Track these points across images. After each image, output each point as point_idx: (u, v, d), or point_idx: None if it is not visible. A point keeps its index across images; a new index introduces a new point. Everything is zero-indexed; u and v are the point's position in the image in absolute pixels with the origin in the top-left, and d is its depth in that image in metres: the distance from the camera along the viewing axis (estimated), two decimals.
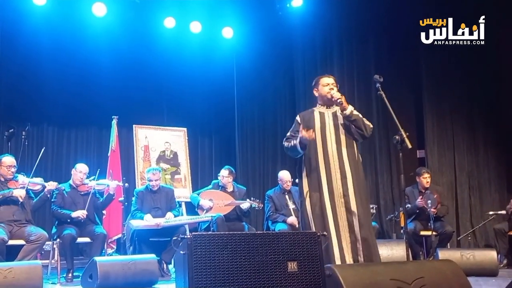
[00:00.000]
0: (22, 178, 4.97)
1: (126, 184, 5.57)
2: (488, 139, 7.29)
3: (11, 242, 4.62)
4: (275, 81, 8.13)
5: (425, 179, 6.02)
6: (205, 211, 5.69)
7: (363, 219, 3.55)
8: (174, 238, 4.81)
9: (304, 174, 3.73)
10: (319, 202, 3.58)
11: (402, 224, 6.22)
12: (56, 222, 5.19)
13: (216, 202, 5.77)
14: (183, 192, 7.05)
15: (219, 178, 6.01)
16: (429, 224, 5.66)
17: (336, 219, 3.54)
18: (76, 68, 7.11)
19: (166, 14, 7.40)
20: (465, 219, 7.06)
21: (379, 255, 3.65)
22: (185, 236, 2.76)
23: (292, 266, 2.84)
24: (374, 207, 5.71)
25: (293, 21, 7.76)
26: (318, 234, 3.02)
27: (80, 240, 5.11)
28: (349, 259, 3.45)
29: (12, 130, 6.60)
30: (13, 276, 3.77)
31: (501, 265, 5.71)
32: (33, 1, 6.61)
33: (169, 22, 7.41)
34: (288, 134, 3.86)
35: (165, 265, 5.30)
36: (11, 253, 4.59)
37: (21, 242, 4.69)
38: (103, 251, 5.29)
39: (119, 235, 6.14)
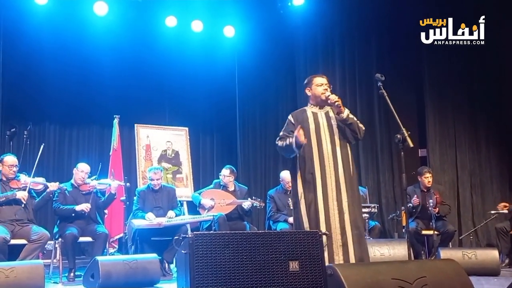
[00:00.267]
0: (24, 178, 4.98)
1: (128, 184, 5.58)
2: (490, 138, 7.28)
3: (13, 241, 4.62)
4: (277, 80, 8.12)
5: (427, 178, 6.01)
6: (206, 210, 5.69)
7: (355, 221, 3.56)
8: (175, 237, 4.84)
9: (298, 174, 3.70)
10: (313, 204, 3.56)
11: (404, 223, 6.21)
12: (58, 222, 5.19)
13: (218, 202, 5.77)
14: (184, 192, 7.05)
15: (220, 177, 6.01)
16: (431, 223, 5.65)
17: (328, 221, 3.52)
18: (77, 67, 7.12)
19: (168, 13, 7.39)
20: (467, 218, 7.05)
21: (369, 257, 3.66)
22: (187, 236, 2.76)
23: (294, 265, 2.85)
24: (376, 206, 5.70)
25: (294, 20, 7.74)
26: (320, 233, 3.02)
27: (82, 239, 5.12)
28: (339, 262, 3.43)
29: (14, 129, 6.61)
30: (15, 276, 3.78)
31: (503, 265, 5.70)
32: (34, 0, 6.61)
33: (171, 21, 7.40)
34: (281, 133, 3.80)
35: (166, 265, 5.30)
36: (13, 253, 4.59)
37: (23, 241, 4.70)
38: (105, 251, 5.29)
39: (121, 235, 6.16)
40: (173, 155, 7.35)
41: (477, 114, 7.32)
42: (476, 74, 7.29)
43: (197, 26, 7.57)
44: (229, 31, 7.77)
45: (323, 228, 3.46)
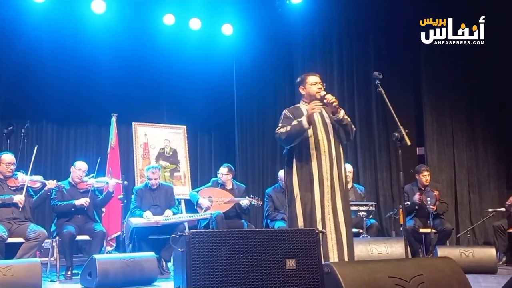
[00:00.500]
0: (21, 176, 4.98)
1: (125, 182, 5.58)
2: (488, 136, 7.29)
3: (10, 239, 4.64)
4: (275, 78, 8.11)
5: (425, 177, 6.02)
6: (203, 209, 5.69)
7: (348, 219, 3.60)
8: (172, 235, 4.85)
9: (294, 171, 3.66)
10: (310, 203, 3.55)
11: (401, 222, 6.21)
12: (55, 220, 5.19)
13: (216, 200, 5.77)
14: (182, 190, 7.05)
15: (218, 175, 6.00)
16: (429, 221, 5.65)
17: (323, 219, 3.52)
18: (75, 66, 7.11)
19: (166, 11, 7.38)
20: (464, 216, 7.07)
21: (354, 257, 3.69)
22: (184, 234, 2.76)
23: (291, 263, 2.84)
24: (374, 205, 5.69)
25: (293, 18, 7.73)
26: (317, 231, 3.01)
27: (79, 237, 5.12)
28: (334, 259, 3.44)
29: (11, 127, 6.59)
30: (12, 274, 3.78)
31: (500, 263, 5.72)
32: None
33: (169, 19, 7.39)
34: (280, 125, 3.72)
35: (164, 263, 5.31)
36: (10, 251, 4.60)
37: (20, 240, 4.71)
38: (102, 249, 5.29)
39: (118, 233, 6.14)
40: (171, 153, 7.34)
41: (475, 113, 7.33)
42: (475, 75, 7.29)
43: (195, 24, 7.56)
44: (227, 29, 7.76)
45: (318, 227, 3.46)
